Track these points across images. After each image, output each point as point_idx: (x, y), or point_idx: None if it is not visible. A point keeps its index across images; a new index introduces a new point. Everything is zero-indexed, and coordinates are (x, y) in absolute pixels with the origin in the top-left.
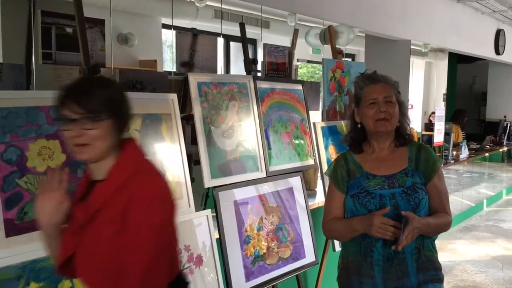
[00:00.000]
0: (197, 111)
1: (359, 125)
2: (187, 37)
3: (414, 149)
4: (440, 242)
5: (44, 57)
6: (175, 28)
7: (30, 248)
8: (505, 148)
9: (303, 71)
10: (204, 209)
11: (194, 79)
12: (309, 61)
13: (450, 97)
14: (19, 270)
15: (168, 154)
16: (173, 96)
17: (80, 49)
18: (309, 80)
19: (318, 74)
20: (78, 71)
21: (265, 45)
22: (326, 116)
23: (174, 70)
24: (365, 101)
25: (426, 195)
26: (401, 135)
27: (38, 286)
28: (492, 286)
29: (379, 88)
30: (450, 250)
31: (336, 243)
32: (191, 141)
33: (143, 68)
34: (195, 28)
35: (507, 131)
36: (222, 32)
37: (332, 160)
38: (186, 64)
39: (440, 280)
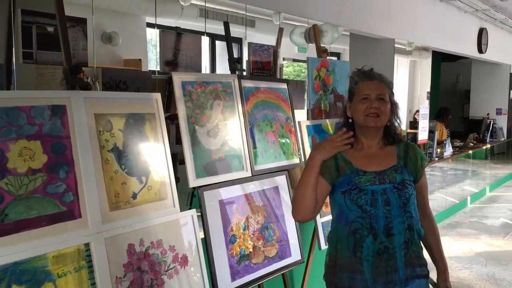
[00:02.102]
0: (181, 111)
1: (350, 120)
2: (171, 36)
3: (402, 147)
4: None
5: (24, 57)
6: (160, 27)
7: (12, 250)
8: (488, 146)
9: (289, 70)
10: (189, 209)
11: (178, 78)
12: (295, 60)
13: (434, 96)
14: (0, 273)
15: (152, 154)
16: (157, 96)
17: (61, 48)
18: (295, 79)
19: (304, 73)
20: (61, 70)
21: (249, 44)
22: (311, 115)
23: (159, 69)
24: (358, 96)
25: (414, 191)
26: (390, 134)
27: None
28: (476, 282)
29: (373, 85)
30: None
31: (322, 241)
32: (176, 140)
33: (128, 68)
34: (179, 27)
35: (490, 129)
36: (208, 31)
37: None
38: (170, 63)
39: (426, 275)
